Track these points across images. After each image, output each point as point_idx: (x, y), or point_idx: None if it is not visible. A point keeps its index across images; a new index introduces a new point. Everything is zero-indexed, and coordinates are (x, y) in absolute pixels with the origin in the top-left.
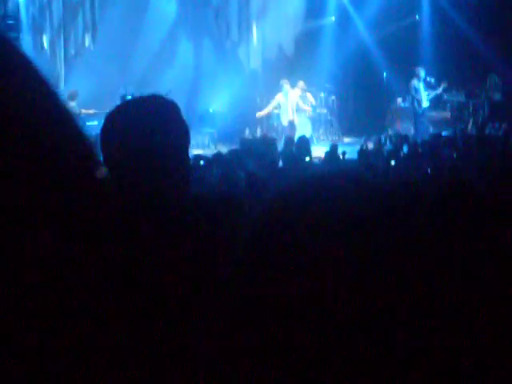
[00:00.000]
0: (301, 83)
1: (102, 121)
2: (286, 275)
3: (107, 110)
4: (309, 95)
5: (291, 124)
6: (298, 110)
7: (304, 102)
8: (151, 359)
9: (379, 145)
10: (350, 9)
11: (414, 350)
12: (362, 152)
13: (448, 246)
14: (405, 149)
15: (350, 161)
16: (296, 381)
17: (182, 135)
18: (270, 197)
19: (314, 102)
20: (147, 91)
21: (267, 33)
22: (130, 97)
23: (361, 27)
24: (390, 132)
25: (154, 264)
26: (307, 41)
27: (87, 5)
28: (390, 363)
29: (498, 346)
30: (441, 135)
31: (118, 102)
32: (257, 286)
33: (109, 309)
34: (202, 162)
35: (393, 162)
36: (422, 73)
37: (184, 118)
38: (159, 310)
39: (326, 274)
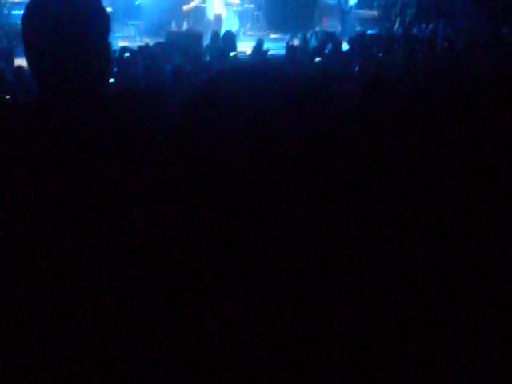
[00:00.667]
0: None
1: None
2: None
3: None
4: None
5: (218, 18)
6: (226, 4)
7: None
8: None
9: (305, 41)
10: None
11: None
12: (289, 48)
13: (365, 141)
14: (330, 46)
15: (276, 56)
16: None
17: (101, 23)
18: (195, 84)
19: None
20: None
21: None
22: None
23: None
24: (317, 29)
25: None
26: None
27: None
28: None
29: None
30: (366, 33)
31: None
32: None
33: None
34: (127, 54)
35: (318, 59)
36: None
37: (110, 9)
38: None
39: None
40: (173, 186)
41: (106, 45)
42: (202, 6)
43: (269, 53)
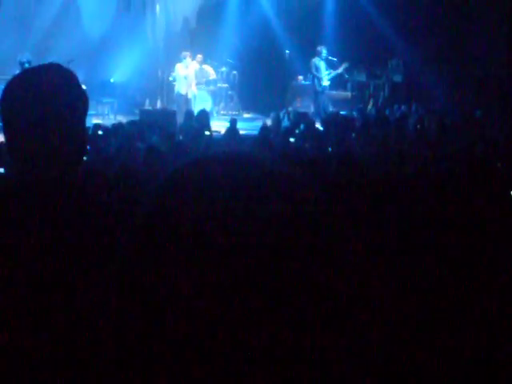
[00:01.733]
0: (199, 56)
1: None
2: (177, 246)
3: (5, 76)
4: (208, 68)
5: (189, 97)
6: (199, 83)
7: (203, 76)
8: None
9: (277, 121)
10: None
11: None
12: (264, 129)
13: (341, 222)
14: (302, 126)
15: (249, 136)
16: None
17: (79, 104)
18: (169, 171)
19: (214, 76)
20: (48, 59)
21: (170, 5)
22: (27, 64)
23: (265, 2)
24: (290, 109)
25: (47, 235)
26: (210, 14)
27: None
28: None
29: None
30: (338, 113)
31: (17, 69)
32: (151, 257)
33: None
34: (100, 132)
35: (292, 139)
36: (323, 51)
37: (84, 87)
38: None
39: (216, 248)
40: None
41: (82, 125)
42: (175, 84)
43: (242, 132)
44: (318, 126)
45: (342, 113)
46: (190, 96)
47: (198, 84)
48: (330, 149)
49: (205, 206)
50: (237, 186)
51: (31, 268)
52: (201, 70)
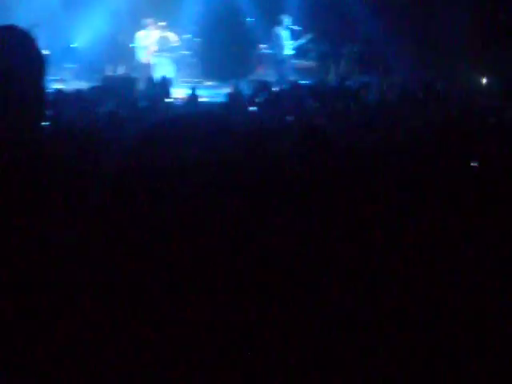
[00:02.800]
0: (161, 23)
1: None
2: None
3: None
4: (171, 35)
5: (147, 63)
6: (161, 50)
7: (165, 43)
8: None
9: (238, 90)
10: None
11: None
12: (227, 95)
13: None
14: (263, 95)
15: (210, 104)
16: None
17: (37, 65)
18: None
19: (177, 43)
20: (9, 22)
21: None
22: None
23: None
24: (251, 77)
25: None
26: None
27: None
28: None
29: None
30: (298, 83)
31: None
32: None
33: None
34: (62, 97)
35: (252, 108)
36: (286, 20)
37: (48, 52)
38: None
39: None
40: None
41: (40, 87)
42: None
43: (203, 100)
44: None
45: (302, 82)
46: (151, 63)
47: (161, 51)
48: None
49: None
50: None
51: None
52: (163, 37)
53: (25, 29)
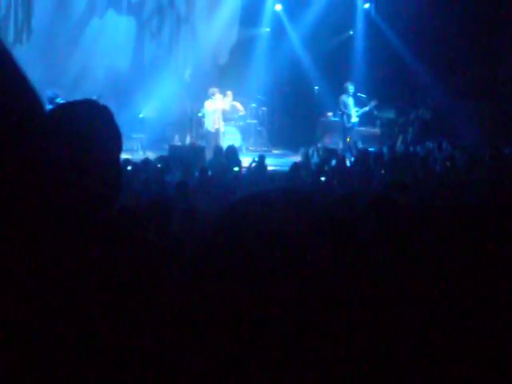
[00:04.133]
0: (229, 93)
1: None
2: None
3: None
4: (238, 105)
5: (215, 132)
6: (227, 119)
7: (232, 112)
8: None
9: (307, 158)
10: (285, 20)
11: None
12: (294, 166)
13: (378, 252)
14: (332, 163)
15: (278, 173)
16: None
17: (115, 141)
18: (222, 209)
19: (243, 112)
20: (77, 94)
21: (200, 41)
22: (59, 99)
23: (295, 40)
24: (319, 145)
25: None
26: (241, 51)
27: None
28: None
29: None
30: (370, 151)
31: (48, 104)
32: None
33: None
34: (129, 168)
35: (323, 178)
36: (351, 88)
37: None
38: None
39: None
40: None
41: (118, 162)
42: (204, 120)
43: (271, 168)
44: (347, 163)
45: (370, 149)
46: (218, 132)
47: (228, 120)
48: (356, 185)
49: (263, 239)
50: (292, 221)
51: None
52: (231, 106)
53: (103, 104)
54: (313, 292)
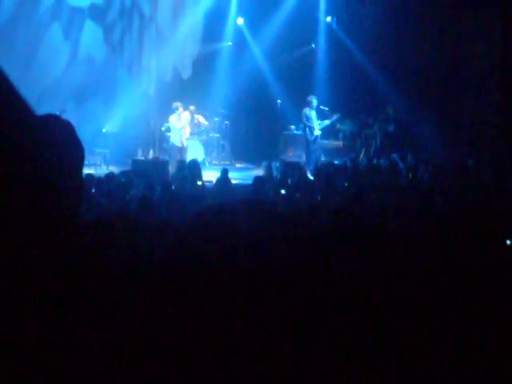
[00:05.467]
0: (191, 107)
1: None
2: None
3: None
4: (200, 118)
5: (182, 147)
6: (191, 133)
7: (195, 126)
8: None
9: (269, 171)
10: (247, 34)
11: None
12: (257, 179)
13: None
14: (295, 176)
15: (241, 186)
16: None
17: (77, 155)
18: (182, 222)
19: (206, 125)
20: (38, 108)
21: (162, 55)
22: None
23: (257, 53)
24: (282, 158)
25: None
26: (204, 64)
27: None
28: None
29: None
30: (333, 164)
31: None
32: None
33: None
34: (92, 182)
35: (283, 191)
36: (314, 101)
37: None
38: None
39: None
40: None
41: (80, 177)
42: (168, 134)
43: (234, 182)
44: (309, 175)
45: (334, 162)
46: (184, 146)
47: (191, 134)
48: (318, 197)
49: (224, 248)
50: (253, 230)
51: None
52: (192, 119)
53: (65, 119)
54: (277, 295)
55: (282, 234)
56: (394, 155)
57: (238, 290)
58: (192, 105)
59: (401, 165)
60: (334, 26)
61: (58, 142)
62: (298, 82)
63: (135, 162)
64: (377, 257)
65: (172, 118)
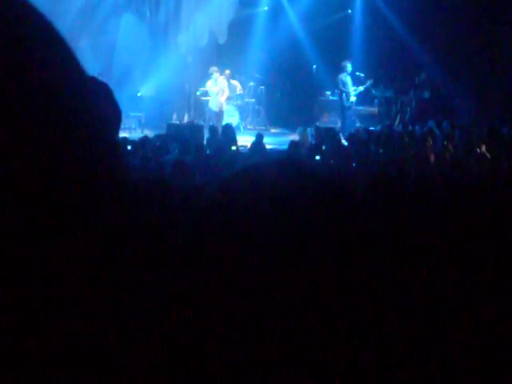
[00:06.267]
0: (227, 72)
1: None
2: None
3: None
4: (236, 83)
5: (219, 112)
6: (227, 98)
7: (230, 91)
8: None
9: (304, 137)
10: None
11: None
12: (293, 144)
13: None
14: (330, 142)
15: (276, 151)
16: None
17: (115, 118)
18: (215, 185)
19: (241, 91)
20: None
21: (199, 19)
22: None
23: (293, 18)
24: (317, 124)
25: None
26: (239, 29)
27: None
28: None
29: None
30: (368, 130)
31: None
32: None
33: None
34: (129, 147)
35: (317, 157)
36: (349, 67)
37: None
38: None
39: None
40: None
41: (117, 140)
42: (203, 98)
43: (269, 147)
44: (344, 141)
45: (369, 129)
46: (220, 111)
47: (227, 99)
48: (354, 164)
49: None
50: (289, 191)
51: None
52: (228, 85)
53: (103, 81)
54: (313, 261)
55: (322, 196)
56: (429, 122)
57: (274, 253)
58: (227, 69)
59: (436, 131)
60: None
61: (97, 105)
62: (333, 47)
63: (170, 126)
64: (419, 222)
65: (209, 83)
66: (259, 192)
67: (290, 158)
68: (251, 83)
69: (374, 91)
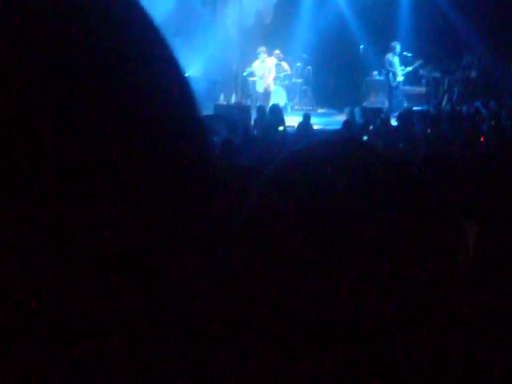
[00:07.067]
0: (277, 52)
1: None
2: (290, 232)
3: None
4: (284, 64)
5: (266, 92)
6: (274, 78)
7: (279, 71)
8: None
9: (352, 117)
10: None
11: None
12: (347, 123)
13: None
14: (377, 122)
15: (323, 131)
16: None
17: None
18: (277, 162)
19: (289, 71)
20: None
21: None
22: None
23: None
24: (364, 104)
25: None
26: (285, 9)
27: None
28: None
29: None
30: (416, 110)
31: None
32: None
33: None
34: None
35: (365, 138)
36: (397, 47)
37: None
38: None
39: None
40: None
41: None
42: (251, 79)
43: (316, 127)
44: (393, 121)
45: (416, 108)
46: (268, 91)
47: (274, 79)
48: (401, 144)
49: (321, 189)
50: (350, 169)
51: None
52: (277, 65)
53: None
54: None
55: (386, 175)
56: (477, 102)
57: (340, 240)
58: (277, 49)
59: (484, 112)
60: None
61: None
62: (380, 27)
63: (217, 107)
64: (473, 200)
65: (256, 64)
66: (333, 169)
67: (355, 138)
68: (298, 63)
69: (421, 71)
